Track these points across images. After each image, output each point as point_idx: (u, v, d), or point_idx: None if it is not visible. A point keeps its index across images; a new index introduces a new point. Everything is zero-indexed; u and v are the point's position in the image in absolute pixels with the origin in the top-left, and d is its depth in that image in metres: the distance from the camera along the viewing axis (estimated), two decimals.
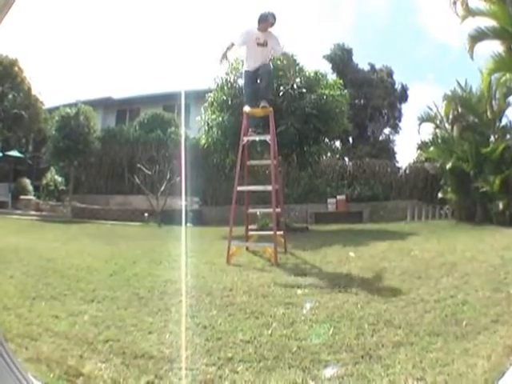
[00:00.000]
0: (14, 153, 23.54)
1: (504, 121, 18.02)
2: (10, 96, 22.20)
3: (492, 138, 17.81)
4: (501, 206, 15.83)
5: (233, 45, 9.87)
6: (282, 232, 10.35)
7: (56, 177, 22.83)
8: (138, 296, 6.31)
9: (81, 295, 6.34)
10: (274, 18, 9.64)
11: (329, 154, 20.80)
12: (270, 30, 9.80)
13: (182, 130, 21.25)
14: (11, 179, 23.10)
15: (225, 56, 10.00)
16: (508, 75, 16.06)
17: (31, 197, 22.03)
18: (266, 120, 10.28)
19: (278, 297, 6.23)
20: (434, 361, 4.13)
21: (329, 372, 4.03)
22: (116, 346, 4.53)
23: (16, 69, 22.73)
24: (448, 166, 17.49)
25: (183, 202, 17.36)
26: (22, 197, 21.57)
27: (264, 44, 9.78)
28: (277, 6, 10.10)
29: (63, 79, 32.62)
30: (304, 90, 15.78)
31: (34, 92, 23.63)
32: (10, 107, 22.12)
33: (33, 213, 20.22)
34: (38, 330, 4.91)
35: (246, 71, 10.26)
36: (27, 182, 22.58)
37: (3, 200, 21.33)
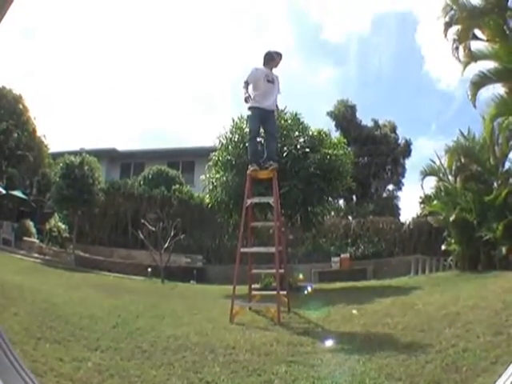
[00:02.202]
0: (18, 193, 23.51)
1: (507, 165, 18.11)
2: (15, 135, 22.30)
3: (495, 185, 17.81)
4: (504, 251, 15.76)
5: (247, 83, 9.87)
6: (285, 292, 10.29)
7: (60, 224, 22.84)
8: (141, 349, 6.33)
9: (84, 343, 6.37)
10: (281, 56, 10.15)
11: (332, 213, 20.85)
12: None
13: None
14: (14, 219, 23.00)
15: (249, 96, 9.82)
16: (511, 118, 16.23)
17: (35, 239, 21.89)
18: (270, 181, 10.39)
19: (280, 355, 6.23)
20: None
21: None
22: None
23: (21, 106, 22.99)
24: (451, 217, 17.40)
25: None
26: (25, 238, 21.42)
27: (272, 81, 10.06)
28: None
29: (68, 125, 33.11)
30: (307, 150, 15.82)
31: (38, 134, 23.99)
32: (14, 146, 22.23)
33: (36, 255, 20.07)
34: (43, 367, 4.94)
35: (255, 107, 10.19)
36: (30, 224, 22.41)
37: (7, 238, 21.26)
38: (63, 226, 22.90)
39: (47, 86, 31.94)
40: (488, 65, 15.76)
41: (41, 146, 23.83)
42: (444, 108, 33.15)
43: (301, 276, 10.50)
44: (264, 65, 10.12)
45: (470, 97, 16.01)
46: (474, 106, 16.24)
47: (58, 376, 4.80)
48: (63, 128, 34.99)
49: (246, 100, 9.82)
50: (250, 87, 10.04)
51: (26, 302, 8.64)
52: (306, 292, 8.07)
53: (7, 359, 2.67)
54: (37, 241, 21.89)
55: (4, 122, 21.86)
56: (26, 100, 23.24)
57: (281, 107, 11.48)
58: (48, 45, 31.87)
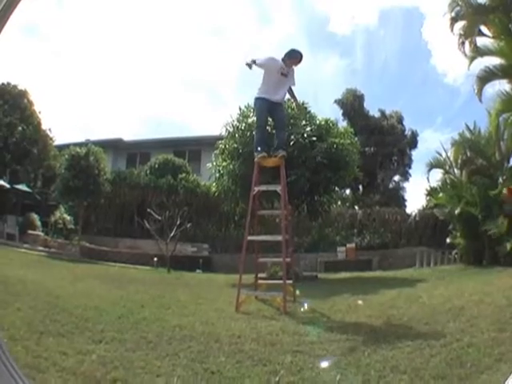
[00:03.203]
0: (23, 187, 23.48)
1: None
2: (20, 128, 22.28)
3: (500, 180, 17.70)
4: (508, 246, 15.59)
5: (254, 62, 9.80)
6: (291, 281, 10.27)
7: (65, 215, 22.83)
8: (146, 340, 6.31)
9: (89, 335, 6.35)
10: (302, 57, 9.98)
11: (339, 203, 20.82)
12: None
13: None
14: (19, 213, 23.00)
15: (250, 65, 9.79)
16: None
17: (39, 232, 21.88)
18: (277, 170, 10.34)
19: (285, 345, 6.24)
20: None
21: None
22: None
23: (25, 101, 22.93)
24: (457, 211, 17.35)
25: None
26: (30, 231, 21.40)
27: (286, 75, 9.93)
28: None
29: (73, 117, 32.97)
30: (314, 139, 15.83)
31: (43, 127, 23.74)
32: (19, 140, 22.21)
33: (41, 248, 20.01)
34: (45, 363, 4.93)
35: (263, 98, 10.14)
36: (35, 217, 22.45)
37: (11, 232, 21.21)
38: (68, 218, 22.86)
39: (52, 78, 31.73)
40: (494, 61, 15.78)
41: (46, 139, 23.73)
42: (450, 102, 32.94)
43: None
44: (283, 59, 9.92)
45: (475, 91, 16.03)
46: (480, 101, 16.27)
47: (60, 371, 4.77)
48: (69, 120, 34.77)
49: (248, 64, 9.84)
50: (261, 72, 10.03)
51: (30, 296, 8.59)
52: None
53: (1, 362, 2.65)
54: (41, 234, 21.89)
55: (8, 117, 21.81)
56: (30, 94, 23.24)
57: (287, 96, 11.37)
58: (51, 37, 31.74)
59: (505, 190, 15.66)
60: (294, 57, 9.90)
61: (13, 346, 5.20)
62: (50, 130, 23.94)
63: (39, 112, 23.54)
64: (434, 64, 38.47)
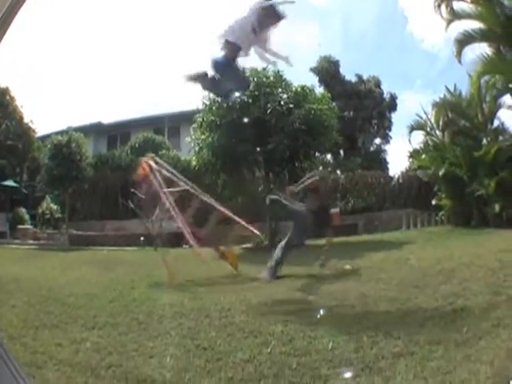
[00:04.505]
0: (10, 183, 23.27)
1: (496, 122, 17.97)
2: (3, 126, 22.11)
3: (484, 141, 17.67)
4: (497, 208, 15.64)
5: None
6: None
7: (51, 205, 22.82)
8: (137, 321, 6.31)
9: (82, 322, 6.33)
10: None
11: (320, 168, 20.77)
12: None
13: None
14: (8, 209, 22.92)
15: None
16: (497, 76, 16.16)
17: (28, 226, 21.91)
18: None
19: (276, 314, 6.26)
20: (436, 369, 4.11)
21: None
22: (119, 372, 4.55)
23: (8, 98, 22.77)
24: (441, 172, 17.31)
25: None
26: (19, 226, 21.44)
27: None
28: None
29: (52, 106, 32.50)
30: (291, 106, 15.71)
31: (26, 120, 23.60)
32: (3, 137, 22.03)
33: (31, 242, 20.06)
34: (42, 358, 4.92)
35: None
36: (24, 211, 22.47)
37: (1, 230, 21.20)
38: (55, 207, 22.94)
39: (27, 67, 31.18)
40: (472, 24, 15.67)
41: (28, 131, 23.59)
42: (429, 67, 32.90)
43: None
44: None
45: (455, 54, 15.98)
46: (460, 62, 16.21)
47: (57, 364, 4.77)
48: (49, 110, 34.20)
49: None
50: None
51: (23, 292, 8.56)
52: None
53: (3, 361, 2.62)
54: (30, 227, 21.99)
55: None
56: (12, 91, 23.08)
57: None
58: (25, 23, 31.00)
59: None
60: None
61: (12, 344, 5.19)
62: (31, 121, 23.80)
63: (21, 106, 23.43)
64: (411, 30, 38.24)
